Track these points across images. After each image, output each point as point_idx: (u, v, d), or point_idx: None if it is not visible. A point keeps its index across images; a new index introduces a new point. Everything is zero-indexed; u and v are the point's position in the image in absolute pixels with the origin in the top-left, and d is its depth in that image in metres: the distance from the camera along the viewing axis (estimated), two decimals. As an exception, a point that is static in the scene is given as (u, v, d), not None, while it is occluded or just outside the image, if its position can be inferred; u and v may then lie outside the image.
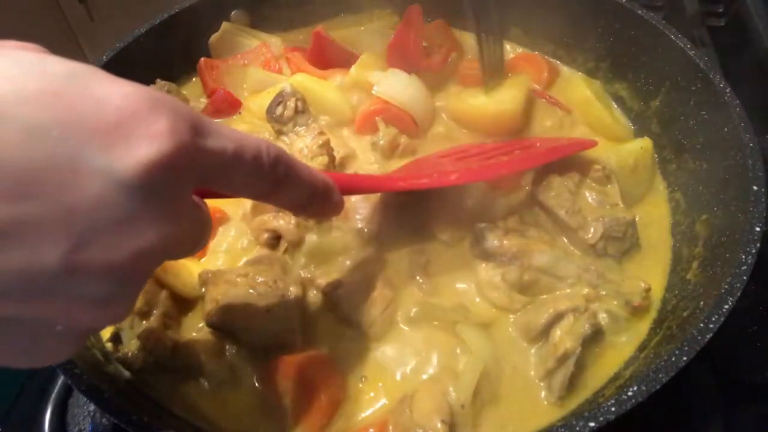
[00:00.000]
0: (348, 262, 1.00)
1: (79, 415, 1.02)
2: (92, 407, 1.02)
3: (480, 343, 0.91)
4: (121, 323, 0.92)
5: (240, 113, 1.31)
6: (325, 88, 1.24)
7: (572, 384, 0.88)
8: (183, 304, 0.98)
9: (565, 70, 1.38)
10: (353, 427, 0.87)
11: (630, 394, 0.74)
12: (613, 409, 0.73)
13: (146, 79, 1.29)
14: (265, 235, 1.02)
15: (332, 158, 1.10)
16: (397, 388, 0.90)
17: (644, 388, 0.74)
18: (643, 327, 0.96)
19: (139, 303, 0.90)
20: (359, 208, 1.05)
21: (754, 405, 1.01)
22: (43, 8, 2.47)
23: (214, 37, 1.39)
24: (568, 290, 0.97)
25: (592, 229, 1.01)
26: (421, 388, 0.87)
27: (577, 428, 0.72)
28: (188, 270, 1.01)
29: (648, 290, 0.97)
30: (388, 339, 0.95)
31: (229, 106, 1.30)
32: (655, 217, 1.11)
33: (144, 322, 0.90)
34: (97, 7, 2.49)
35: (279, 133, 1.14)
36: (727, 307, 0.80)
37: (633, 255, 1.05)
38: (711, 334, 0.78)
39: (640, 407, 0.73)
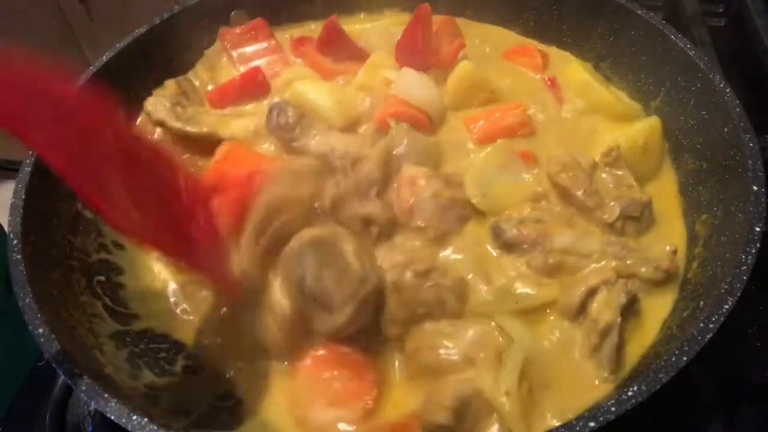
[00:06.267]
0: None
1: (79, 415, 1.02)
2: (92, 407, 1.02)
3: (520, 332, 0.90)
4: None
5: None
6: (320, 95, 1.22)
7: (620, 356, 0.88)
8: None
9: (559, 56, 1.38)
10: (397, 414, 0.88)
11: (630, 394, 0.74)
12: (613, 409, 0.73)
13: (146, 79, 1.29)
14: (359, 223, 1.02)
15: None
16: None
17: (644, 388, 0.74)
18: (673, 291, 0.97)
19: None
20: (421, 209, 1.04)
21: (754, 405, 1.01)
22: (43, 8, 2.47)
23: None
24: (596, 265, 0.97)
25: (610, 209, 1.02)
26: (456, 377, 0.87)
27: (577, 428, 0.72)
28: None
29: (675, 252, 0.97)
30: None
31: (258, 86, 1.28)
32: (665, 196, 1.12)
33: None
34: (97, 7, 2.49)
35: (290, 141, 1.14)
36: (727, 307, 0.80)
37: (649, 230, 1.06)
38: (711, 334, 0.78)
39: (640, 407, 0.73)
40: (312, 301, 0.91)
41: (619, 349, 0.88)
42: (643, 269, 0.96)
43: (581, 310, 0.93)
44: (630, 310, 0.92)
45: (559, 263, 0.97)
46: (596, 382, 0.89)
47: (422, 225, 1.02)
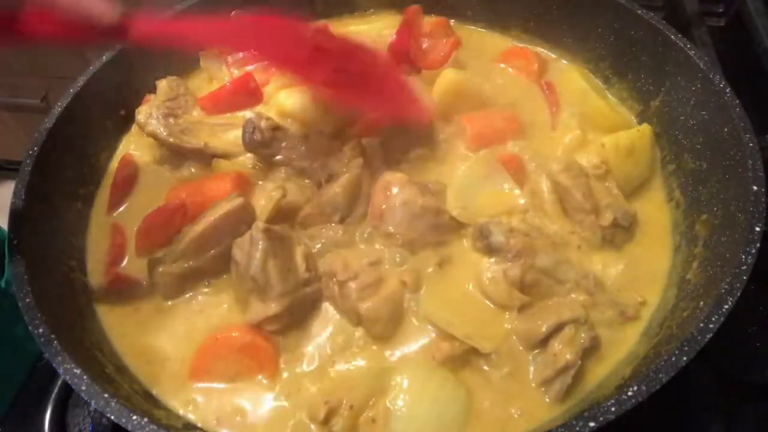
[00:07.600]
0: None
1: (79, 415, 1.02)
2: (92, 407, 1.02)
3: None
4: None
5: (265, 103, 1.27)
6: (305, 104, 1.19)
7: (569, 391, 0.89)
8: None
9: (558, 62, 1.38)
10: None
11: (630, 394, 0.74)
12: (613, 409, 0.73)
13: (146, 77, 1.30)
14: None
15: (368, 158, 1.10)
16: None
17: (644, 388, 0.74)
18: (632, 335, 0.96)
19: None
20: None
21: (754, 405, 1.01)
22: (43, 8, 2.47)
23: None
24: (571, 296, 0.96)
25: (605, 214, 1.02)
26: None
27: (577, 428, 0.72)
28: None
29: (642, 304, 0.98)
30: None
31: (250, 93, 1.26)
32: (655, 216, 1.11)
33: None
34: (97, 7, 2.48)
35: (270, 157, 1.12)
36: (727, 307, 0.80)
37: (632, 251, 1.05)
38: (711, 334, 0.78)
39: (640, 407, 0.73)
40: (252, 281, 0.92)
41: (570, 388, 0.88)
42: (609, 312, 0.96)
43: (544, 341, 0.92)
44: (591, 350, 0.92)
45: (534, 281, 0.97)
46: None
47: (392, 231, 1.02)
